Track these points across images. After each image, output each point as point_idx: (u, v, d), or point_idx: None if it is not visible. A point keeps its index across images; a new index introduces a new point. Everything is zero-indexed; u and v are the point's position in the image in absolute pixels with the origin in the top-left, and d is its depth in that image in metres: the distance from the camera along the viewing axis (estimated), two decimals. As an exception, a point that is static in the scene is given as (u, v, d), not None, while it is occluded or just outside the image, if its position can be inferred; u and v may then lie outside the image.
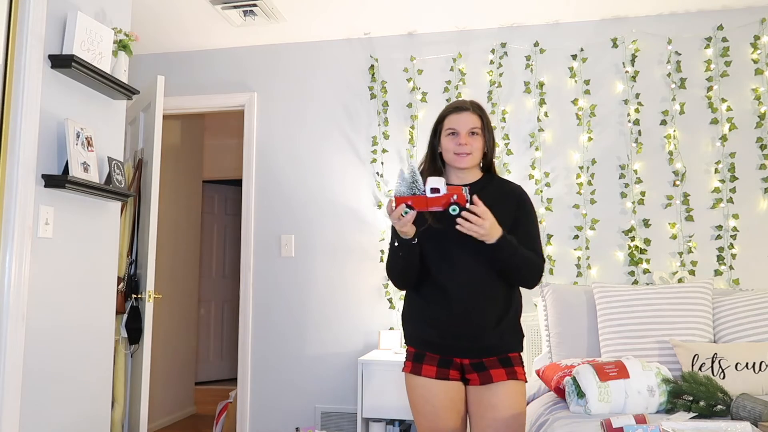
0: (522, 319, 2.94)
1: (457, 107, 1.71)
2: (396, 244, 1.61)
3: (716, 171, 2.91)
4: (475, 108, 1.71)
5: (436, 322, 1.65)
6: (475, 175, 1.74)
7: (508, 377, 1.63)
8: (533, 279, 1.66)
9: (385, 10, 3.03)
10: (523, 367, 1.68)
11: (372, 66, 3.29)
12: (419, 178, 1.49)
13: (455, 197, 1.47)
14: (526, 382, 1.70)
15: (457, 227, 1.50)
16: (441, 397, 1.65)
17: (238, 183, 5.46)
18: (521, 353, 1.71)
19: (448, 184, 1.54)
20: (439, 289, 1.64)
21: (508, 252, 1.56)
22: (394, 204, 1.50)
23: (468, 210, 1.48)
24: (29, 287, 1.81)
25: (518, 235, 1.63)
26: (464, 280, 1.62)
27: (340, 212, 3.26)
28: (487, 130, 1.71)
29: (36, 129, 1.84)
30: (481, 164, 1.75)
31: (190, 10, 3.03)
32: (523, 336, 1.72)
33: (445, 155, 1.71)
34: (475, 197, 1.52)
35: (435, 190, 1.47)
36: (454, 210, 1.48)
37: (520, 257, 1.59)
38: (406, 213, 1.48)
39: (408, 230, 1.54)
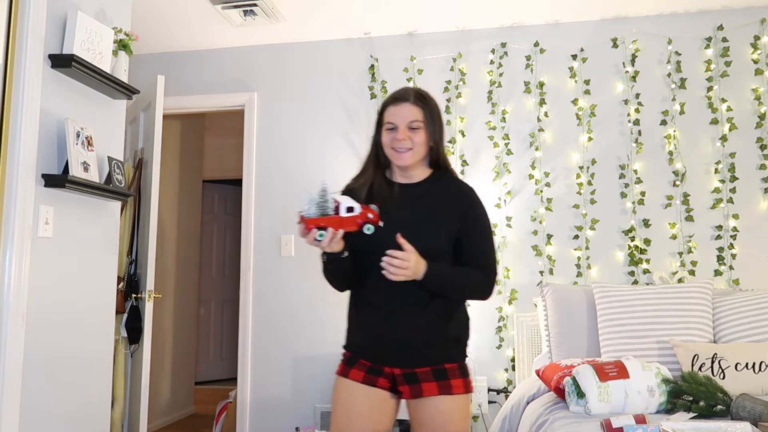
0: (522, 319, 2.96)
1: (395, 98, 1.54)
2: (325, 259, 1.48)
3: (716, 171, 2.91)
4: (417, 99, 1.53)
5: (366, 328, 1.53)
6: (423, 173, 1.59)
7: (441, 392, 1.48)
8: (479, 295, 1.53)
9: (386, 10, 3.03)
10: (464, 378, 1.51)
11: (372, 66, 3.29)
12: (329, 198, 1.38)
13: (370, 215, 1.39)
14: (470, 392, 1.53)
15: (383, 272, 1.39)
16: (360, 402, 1.52)
17: (238, 183, 5.46)
18: (463, 363, 1.53)
19: (362, 204, 1.43)
20: (369, 294, 1.52)
21: (438, 283, 1.45)
22: (303, 226, 1.37)
23: (379, 227, 1.41)
24: (29, 287, 1.81)
25: (465, 240, 1.52)
26: (395, 284, 1.45)
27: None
28: (432, 122, 1.53)
29: (36, 128, 1.84)
30: (429, 160, 1.59)
31: (191, 9, 3.03)
32: (466, 345, 1.56)
33: (384, 151, 1.56)
34: (398, 236, 1.41)
35: (350, 209, 1.39)
36: (369, 230, 1.39)
37: (452, 284, 1.48)
38: (321, 237, 1.37)
39: (334, 249, 1.41)
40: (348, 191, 1.57)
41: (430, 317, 1.49)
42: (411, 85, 3.23)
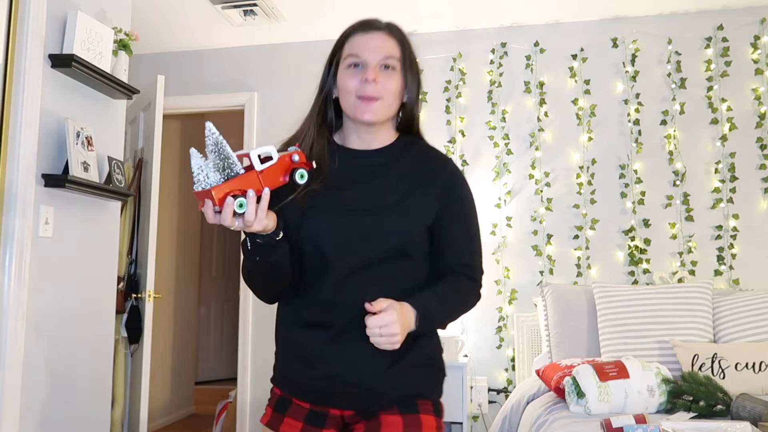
0: (522, 319, 2.95)
1: (364, 25, 1.13)
2: (249, 246, 0.98)
3: (716, 171, 2.91)
4: (393, 30, 1.13)
5: (306, 354, 1.05)
6: (388, 137, 1.14)
7: (407, 428, 1.02)
8: (467, 311, 1.16)
9: (385, 9, 3.03)
10: (437, 417, 1.08)
11: (372, 66, 3.29)
12: (229, 152, 0.89)
13: (296, 158, 0.97)
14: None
15: (372, 340, 0.96)
16: None
17: (238, 183, 5.45)
18: (438, 400, 1.10)
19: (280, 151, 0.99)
20: (313, 303, 1.05)
21: (431, 325, 1.05)
22: (210, 203, 0.89)
23: (314, 170, 1.01)
24: (29, 287, 1.81)
25: (444, 232, 1.10)
26: (346, 288, 1.03)
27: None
28: (409, 65, 1.11)
29: (36, 128, 1.84)
30: (398, 120, 1.16)
31: (191, 9, 3.03)
32: (443, 373, 1.13)
33: (342, 100, 1.10)
34: (373, 305, 0.95)
35: (266, 159, 0.94)
36: (302, 177, 0.97)
37: (444, 316, 1.09)
38: (243, 207, 0.90)
39: (266, 225, 0.93)
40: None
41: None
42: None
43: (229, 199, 0.88)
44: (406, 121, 1.15)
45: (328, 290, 1.03)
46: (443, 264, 1.11)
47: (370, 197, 1.07)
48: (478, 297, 1.16)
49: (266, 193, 0.92)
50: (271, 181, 0.94)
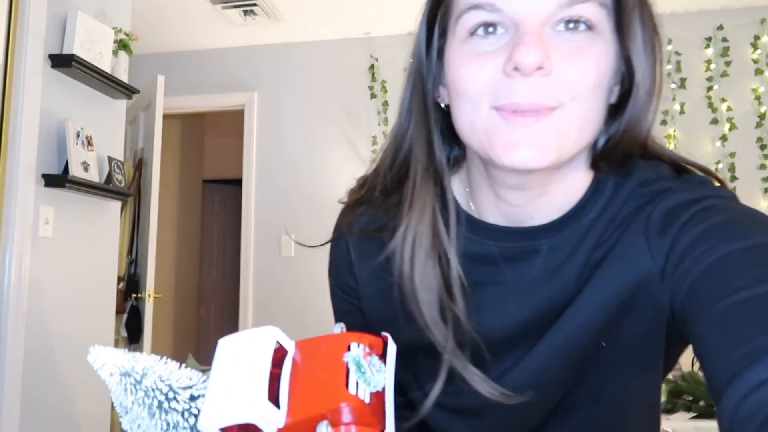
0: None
1: None
2: None
3: (716, 171, 2.91)
4: None
5: None
6: (572, 188, 0.50)
7: None
8: None
9: (385, 9, 3.02)
10: None
11: (372, 66, 3.29)
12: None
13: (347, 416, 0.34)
14: None
15: None
16: None
17: (238, 183, 5.47)
18: None
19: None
20: None
21: None
22: None
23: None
24: (29, 286, 1.81)
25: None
26: None
27: (339, 212, 3.26)
28: (633, 11, 0.45)
29: (36, 128, 1.84)
30: (607, 142, 0.49)
31: (191, 9, 3.03)
32: None
33: (457, 113, 0.47)
34: None
35: (280, 360, 0.38)
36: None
37: None
38: None
39: None
40: (344, 257, 0.64)
41: None
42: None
43: None
44: (624, 144, 0.48)
45: None
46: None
47: (551, 350, 0.49)
48: None
49: None
50: None
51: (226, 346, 0.36)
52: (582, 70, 0.43)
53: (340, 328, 0.41)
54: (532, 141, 0.43)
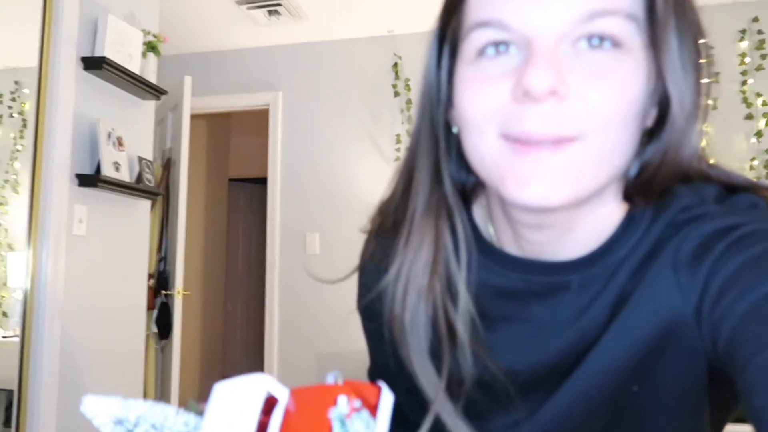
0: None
1: None
2: None
3: (751, 168, 2.82)
4: None
5: None
6: (603, 222, 0.45)
7: None
8: None
9: (409, 7, 3.01)
10: None
11: (396, 64, 3.28)
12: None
13: None
14: None
15: None
16: None
17: (263, 181, 5.52)
18: None
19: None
20: None
21: None
22: None
23: None
24: (64, 283, 1.86)
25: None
26: None
27: (363, 210, 3.23)
28: (669, 22, 0.45)
29: (70, 130, 1.89)
30: (640, 172, 0.45)
31: (216, 10, 3.07)
32: None
33: (466, 141, 0.43)
34: None
35: (269, 408, 0.34)
36: None
37: None
38: None
39: None
40: (368, 297, 0.60)
41: None
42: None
43: None
44: (661, 176, 0.44)
45: None
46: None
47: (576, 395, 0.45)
48: None
49: None
50: None
51: (219, 393, 0.37)
52: (605, 94, 0.38)
53: (333, 377, 0.38)
54: (545, 175, 0.38)
